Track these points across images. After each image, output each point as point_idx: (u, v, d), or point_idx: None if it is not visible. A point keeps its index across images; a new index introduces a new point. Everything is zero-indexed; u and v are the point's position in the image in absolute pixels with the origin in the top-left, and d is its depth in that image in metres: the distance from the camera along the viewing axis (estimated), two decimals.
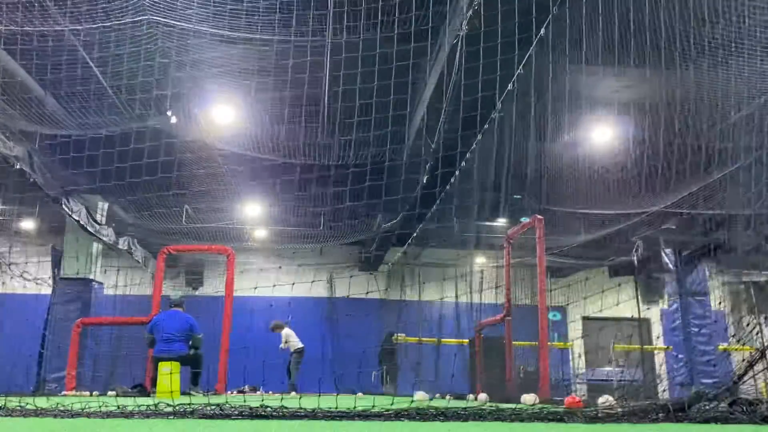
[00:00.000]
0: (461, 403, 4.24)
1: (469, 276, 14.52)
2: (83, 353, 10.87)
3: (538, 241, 8.21)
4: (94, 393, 9.22)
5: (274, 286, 5.73)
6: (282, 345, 12.03)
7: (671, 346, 12.86)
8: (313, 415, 3.10)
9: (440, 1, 6.66)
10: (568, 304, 15.06)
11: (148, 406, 3.39)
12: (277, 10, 6.52)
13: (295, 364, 11.90)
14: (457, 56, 6.44)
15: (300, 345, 12.08)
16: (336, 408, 3.27)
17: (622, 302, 13.15)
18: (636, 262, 12.45)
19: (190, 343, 8.75)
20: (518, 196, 9.93)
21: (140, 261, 13.71)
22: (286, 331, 12.14)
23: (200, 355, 8.89)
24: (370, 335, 14.64)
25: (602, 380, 13.53)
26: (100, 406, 3.36)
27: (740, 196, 8.00)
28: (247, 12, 6.59)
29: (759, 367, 3.19)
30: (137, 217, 12.10)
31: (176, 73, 7.34)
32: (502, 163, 8.51)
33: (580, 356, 15.54)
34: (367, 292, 13.74)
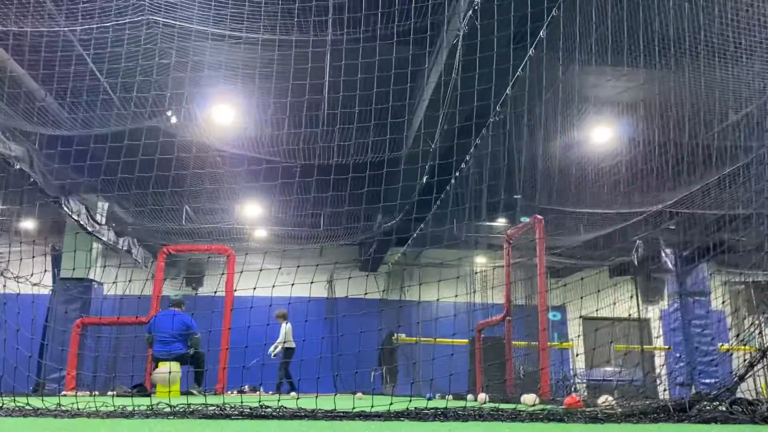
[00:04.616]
0: (461, 403, 4.24)
1: (469, 276, 14.52)
2: (83, 353, 10.86)
3: (538, 241, 8.20)
4: (94, 393, 9.21)
5: (274, 286, 5.71)
6: (278, 342, 11.93)
7: (671, 346, 12.86)
8: (313, 415, 3.10)
9: (440, 2, 6.67)
10: (566, 303, 15.05)
11: (148, 406, 3.38)
12: (278, 12, 6.52)
13: (287, 362, 11.83)
14: (457, 56, 6.45)
15: (291, 345, 12.04)
16: (336, 408, 3.27)
17: (622, 302, 13.15)
18: (636, 262, 12.45)
19: (189, 342, 8.73)
20: (518, 196, 9.94)
21: (140, 261, 13.71)
22: (288, 326, 12.06)
23: (201, 354, 8.87)
24: (370, 335, 14.63)
25: (602, 380, 13.52)
26: (100, 406, 3.36)
27: (741, 195, 8.01)
28: (248, 12, 6.60)
29: (759, 367, 3.19)
30: (137, 217, 12.11)
31: (176, 74, 7.34)
32: (502, 163, 8.52)
33: (579, 356, 15.53)
34: (366, 293, 13.74)
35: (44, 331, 11.75)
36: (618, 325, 13.99)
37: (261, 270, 5.42)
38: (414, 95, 8.84)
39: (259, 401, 3.45)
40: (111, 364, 12.75)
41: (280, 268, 5.67)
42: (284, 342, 11.93)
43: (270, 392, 11.68)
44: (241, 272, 6.56)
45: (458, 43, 6.38)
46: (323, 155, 8.80)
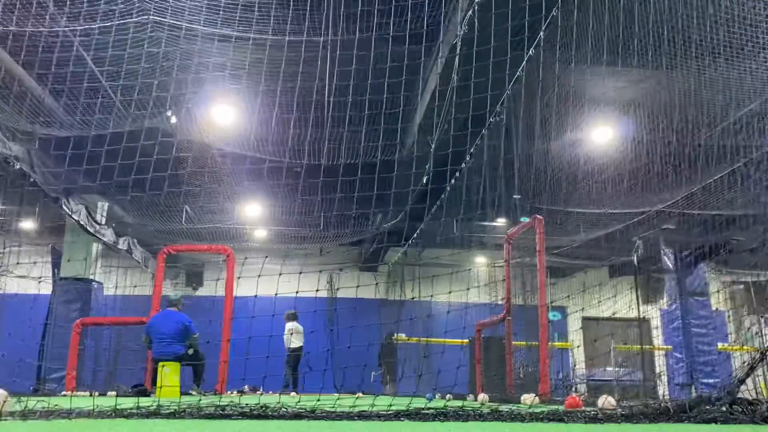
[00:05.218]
0: (461, 403, 4.24)
1: (468, 276, 14.51)
2: (83, 353, 10.86)
3: (538, 241, 8.20)
4: (94, 393, 9.20)
5: (276, 292, 5.73)
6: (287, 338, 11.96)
7: (671, 346, 12.86)
8: (313, 415, 3.10)
9: (440, 2, 6.67)
10: (563, 300, 15.06)
11: (148, 406, 3.38)
12: (276, 11, 6.52)
13: (287, 361, 11.86)
14: (457, 57, 6.45)
15: (297, 344, 12.05)
16: (336, 408, 3.27)
17: (621, 302, 13.15)
18: (636, 262, 12.44)
19: (188, 342, 8.71)
20: (518, 196, 9.94)
21: (140, 261, 13.72)
22: (292, 326, 12.09)
23: (201, 354, 8.86)
24: (370, 335, 14.61)
25: (602, 380, 13.53)
26: (100, 406, 3.35)
27: (741, 195, 8.00)
28: (248, 12, 6.60)
29: (759, 367, 3.19)
30: (137, 217, 12.11)
31: (177, 74, 7.34)
32: (502, 163, 8.52)
33: (580, 356, 15.54)
34: (371, 283, 13.73)
35: (44, 330, 11.76)
36: (618, 325, 14.02)
37: (259, 276, 5.42)
38: (414, 95, 8.84)
39: (242, 400, 3.46)
40: (112, 364, 12.76)
41: (280, 275, 5.67)
42: (290, 339, 11.94)
43: (270, 392, 11.69)
44: (241, 272, 6.57)
45: (458, 43, 6.39)
46: (323, 155, 8.80)
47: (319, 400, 3.36)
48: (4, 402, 2.80)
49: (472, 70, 5.99)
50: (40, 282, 10.51)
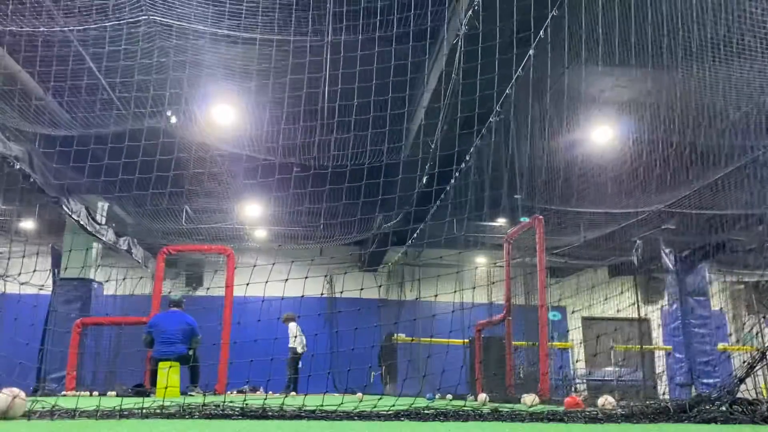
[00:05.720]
0: (461, 403, 4.24)
1: (469, 276, 14.51)
2: (83, 353, 10.85)
3: (538, 241, 8.20)
4: (94, 393, 9.20)
5: (284, 285, 5.74)
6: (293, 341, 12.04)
7: (671, 346, 12.86)
8: (313, 415, 3.10)
9: (440, 2, 6.67)
10: (563, 300, 15.07)
11: (148, 406, 3.38)
12: (277, 10, 6.52)
13: (288, 362, 11.89)
14: (457, 57, 6.45)
15: (294, 345, 12.10)
16: (336, 408, 3.27)
17: (621, 302, 13.16)
18: (636, 262, 12.44)
19: (191, 343, 8.70)
20: (518, 196, 9.94)
21: (140, 261, 13.71)
22: (295, 326, 12.15)
23: (198, 355, 8.86)
24: (370, 335, 14.60)
25: (602, 380, 13.53)
26: (99, 406, 3.35)
27: (741, 195, 8.00)
28: (248, 12, 6.60)
29: (759, 367, 3.19)
30: (137, 217, 12.12)
31: (176, 73, 7.34)
32: (502, 163, 8.52)
33: (579, 357, 15.55)
34: (362, 288, 13.68)
35: (44, 331, 11.74)
36: (618, 325, 14.02)
37: (266, 282, 5.42)
38: (414, 96, 8.84)
39: (244, 400, 3.45)
40: (111, 364, 12.75)
41: (287, 280, 5.66)
42: (294, 340, 12.00)
43: (270, 392, 11.70)
44: (250, 278, 6.56)
45: (458, 42, 6.39)
46: (322, 155, 8.80)
47: (322, 405, 3.36)
48: (13, 400, 2.79)
49: (472, 69, 5.99)
50: (41, 290, 10.51)
